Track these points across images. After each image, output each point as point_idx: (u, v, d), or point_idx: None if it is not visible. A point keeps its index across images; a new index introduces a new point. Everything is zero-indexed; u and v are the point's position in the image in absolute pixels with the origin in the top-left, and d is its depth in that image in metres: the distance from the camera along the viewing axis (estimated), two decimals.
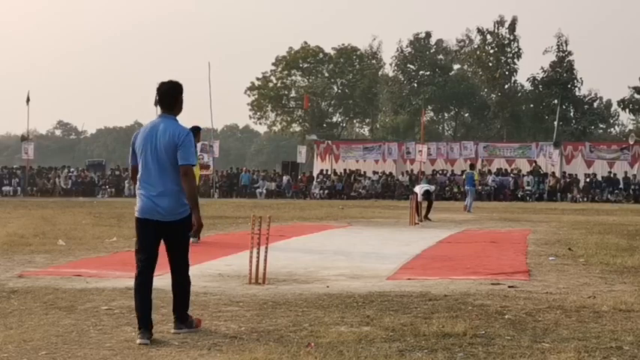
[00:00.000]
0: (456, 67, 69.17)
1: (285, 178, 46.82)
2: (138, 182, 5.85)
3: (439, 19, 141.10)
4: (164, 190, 5.73)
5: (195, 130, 12.82)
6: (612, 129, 71.99)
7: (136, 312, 5.75)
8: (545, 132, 57.59)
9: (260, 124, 73.01)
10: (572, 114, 62.37)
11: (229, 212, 24.06)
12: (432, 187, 24.23)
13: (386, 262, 10.66)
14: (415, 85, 66.60)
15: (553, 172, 43.49)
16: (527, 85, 63.29)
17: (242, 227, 16.72)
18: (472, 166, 29.62)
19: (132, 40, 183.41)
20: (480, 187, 36.70)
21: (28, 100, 45.80)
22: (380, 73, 70.25)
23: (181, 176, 5.74)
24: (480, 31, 63.08)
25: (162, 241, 5.89)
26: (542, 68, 61.62)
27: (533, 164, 44.57)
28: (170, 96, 5.93)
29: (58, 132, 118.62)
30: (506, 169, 44.84)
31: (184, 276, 5.97)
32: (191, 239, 13.95)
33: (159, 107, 5.97)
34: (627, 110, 62.31)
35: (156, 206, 5.72)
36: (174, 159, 5.72)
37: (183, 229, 5.84)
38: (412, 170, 45.32)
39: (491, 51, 62.27)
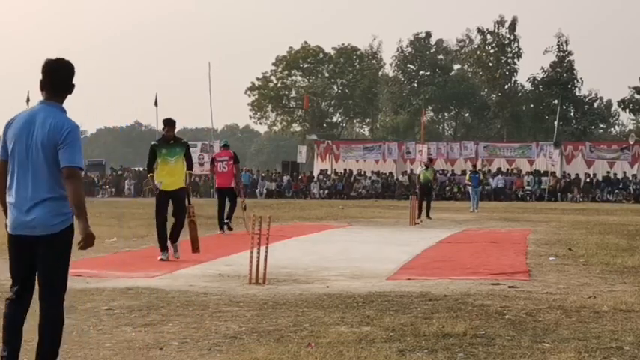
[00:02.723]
0: (456, 67, 69.19)
1: (285, 178, 46.82)
2: (7, 187, 4.56)
3: (439, 19, 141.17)
4: (39, 197, 4.46)
5: (170, 124, 11.11)
6: (612, 129, 72.05)
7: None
8: (545, 132, 57.58)
9: (260, 124, 73.12)
10: (572, 114, 62.36)
11: None
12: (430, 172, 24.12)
13: (386, 262, 10.66)
14: (415, 85, 66.60)
15: (553, 172, 43.49)
16: (528, 85, 63.35)
17: (242, 227, 16.71)
18: (475, 167, 29.89)
19: (132, 40, 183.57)
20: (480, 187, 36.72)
21: (28, 100, 45.79)
22: (380, 73, 70.26)
23: (65, 180, 4.46)
24: (480, 31, 63.11)
25: None
26: (542, 68, 61.67)
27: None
28: (63, 77, 4.64)
29: None
30: (507, 169, 44.87)
31: (57, 310, 4.51)
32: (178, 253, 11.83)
33: (44, 90, 4.63)
34: (627, 110, 62.32)
35: (28, 218, 4.45)
36: (55, 158, 4.46)
37: (59, 244, 4.50)
38: (412, 170, 45.32)
39: (492, 51, 62.27)
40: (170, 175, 10.93)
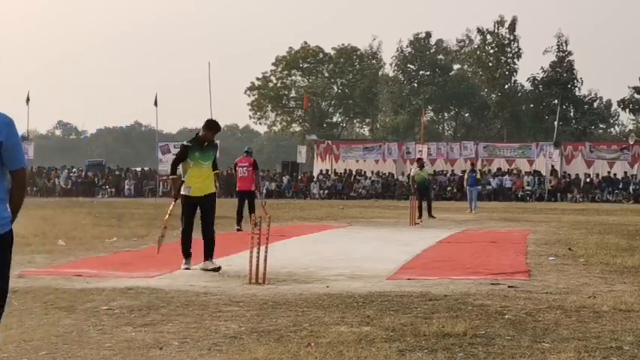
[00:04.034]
0: (456, 67, 69.27)
1: (285, 178, 46.82)
2: None
3: (439, 19, 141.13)
4: None
5: (216, 128, 10.18)
6: (612, 129, 72.12)
7: None
8: (545, 132, 57.63)
9: (260, 124, 73.25)
10: (572, 114, 62.45)
11: (229, 212, 24.06)
12: (428, 170, 24.10)
13: (386, 262, 10.65)
14: (415, 85, 66.66)
15: (555, 171, 43.49)
16: (527, 85, 63.46)
17: (242, 227, 16.73)
18: (473, 166, 29.76)
19: (132, 40, 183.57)
20: (480, 187, 36.71)
21: (28, 100, 45.85)
22: (380, 73, 70.34)
23: (16, 185, 4.19)
24: (480, 31, 63.19)
25: None
26: (542, 68, 61.77)
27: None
28: None
29: (58, 132, 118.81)
30: (507, 169, 44.91)
31: None
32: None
33: None
34: (627, 110, 62.40)
35: None
36: None
37: (2, 249, 4.35)
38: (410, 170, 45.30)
39: (491, 51, 62.33)
40: (202, 179, 9.98)
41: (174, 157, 10.34)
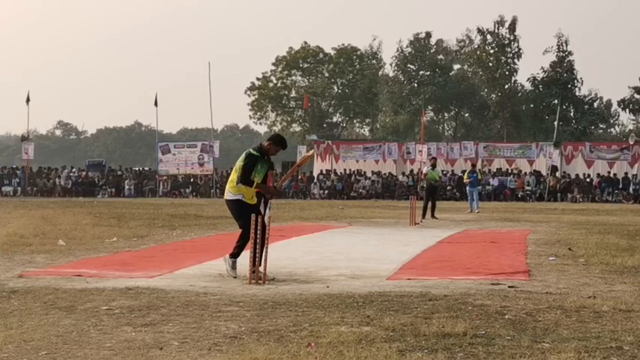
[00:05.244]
0: (456, 67, 69.21)
1: None
2: None
3: (439, 19, 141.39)
4: None
5: (284, 147, 9.78)
6: (612, 129, 72.06)
7: None
8: (545, 132, 57.62)
9: (260, 124, 73.32)
10: (572, 114, 62.42)
11: (230, 212, 24.06)
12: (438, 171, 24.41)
13: (386, 262, 10.65)
14: (415, 85, 66.63)
15: (555, 167, 43.50)
16: (528, 85, 63.42)
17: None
18: (474, 167, 29.83)
19: (132, 40, 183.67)
20: (479, 187, 36.72)
21: (28, 100, 45.88)
22: (380, 73, 70.33)
23: None
24: (480, 31, 63.15)
25: None
26: (542, 68, 61.73)
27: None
28: None
29: (58, 132, 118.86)
30: (507, 169, 44.94)
31: None
32: None
33: None
34: (627, 110, 62.40)
35: None
36: None
37: None
38: (412, 170, 45.34)
39: (492, 51, 62.30)
40: (251, 194, 9.65)
41: (242, 170, 9.48)
